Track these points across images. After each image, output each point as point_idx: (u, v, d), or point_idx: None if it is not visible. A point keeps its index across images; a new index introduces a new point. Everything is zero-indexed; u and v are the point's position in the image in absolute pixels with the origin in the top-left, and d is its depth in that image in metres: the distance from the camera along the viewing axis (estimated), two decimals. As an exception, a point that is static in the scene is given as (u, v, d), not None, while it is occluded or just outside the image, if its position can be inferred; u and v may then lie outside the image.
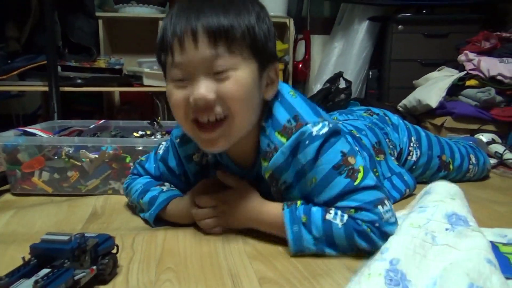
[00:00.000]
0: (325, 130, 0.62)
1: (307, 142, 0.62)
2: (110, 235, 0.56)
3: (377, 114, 1.04)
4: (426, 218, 0.56)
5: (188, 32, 0.57)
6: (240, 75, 0.59)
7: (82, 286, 0.49)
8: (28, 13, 1.59)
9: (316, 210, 0.62)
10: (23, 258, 0.49)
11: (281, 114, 0.65)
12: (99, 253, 0.53)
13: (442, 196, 0.61)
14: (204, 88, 0.58)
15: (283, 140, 0.63)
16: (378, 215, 0.59)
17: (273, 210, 0.65)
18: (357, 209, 0.60)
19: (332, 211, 0.61)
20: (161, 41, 0.62)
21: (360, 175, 0.62)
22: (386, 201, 0.61)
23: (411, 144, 1.01)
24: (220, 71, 0.58)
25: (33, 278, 0.45)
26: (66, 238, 0.50)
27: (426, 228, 0.54)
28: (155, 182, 0.80)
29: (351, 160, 0.63)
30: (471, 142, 1.18)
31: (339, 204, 0.62)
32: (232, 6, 0.59)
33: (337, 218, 0.60)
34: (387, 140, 0.96)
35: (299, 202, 0.65)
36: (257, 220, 0.67)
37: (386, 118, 1.03)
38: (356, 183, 0.61)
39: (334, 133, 0.63)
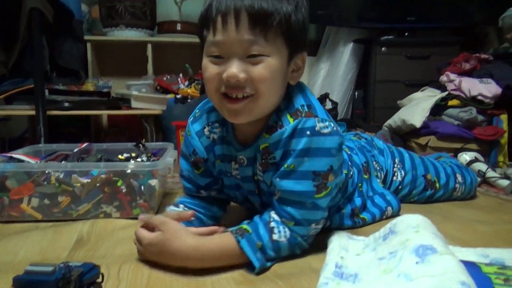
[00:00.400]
0: (326, 130, 0.67)
1: (307, 132, 0.66)
2: (95, 264, 0.55)
3: (365, 139, 1.08)
4: (397, 261, 0.59)
5: (231, 12, 0.61)
6: (271, 61, 0.64)
7: (66, 318, 0.48)
8: (16, 37, 1.60)
9: (263, 232, 0.67)
10: None
11: (297, 99, 0.70)
12: (84, 283, 0.52)
13: (407, 233, 0.63)
14: (237, 68, 0.63)
15: (291, 121, 0.68)
16: (308, 231, 0.70)
17: (221, 243, 0.66)
18: (296, 223, 0.68)
19: (275, 228, 0.67)
20: (204, 16, 0.65)
21: (324, 193, 0.68)
22: (321, 222, 0.71)
23: (395, 166, 1.05)
24: (254, 55, 0.63)
25: None
26: (50, 269, 0.49)
27: (398, 270, 0.56)
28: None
29: (330, 177, 0.68)
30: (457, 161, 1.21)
31: (288, 209, 0.68)
32: None
33: (281, 236, 0.67)
34: (374, 162, 1.00)
35: (246, 228, 0.67)
36: (203, 257, 0.65)
37: (373, 142, 1.08)
38: (316, 196, 0.68)
39: (338, 147, 0.69)
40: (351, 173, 0.88)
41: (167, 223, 0.67)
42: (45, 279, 0.48)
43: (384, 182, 1.02)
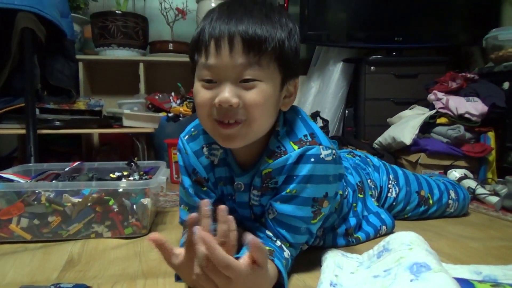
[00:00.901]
0: (329, 158, 0.68)
1: (312, 159, 0.67)
2: (87, 285, 0.55)
3: (359, 156, 1.10)
4: (391, 279, 0.59)
5: (225, 37, 0.61)
6: (264, 87, 0.63)
7: None
8: (7, 56, 1.59)
9: (280, 251, 0.67)
10: None
11: (300, 129, 0.71)
12: None
13: (400, 251, 0.64)
14: (230, 93, 0.62)
15: (295, 148, 0.68)
16: (297, 252, 0.73)
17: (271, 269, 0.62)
18: (291, 245, 0.70)
19: (283, 246, 0.69)
20: (197, 40, 0.65)
21: (318, 218, 0.70)
22: (309, 242, 0.76)
23: (390, 182, 1.06)
24: (247, 80, 0.62)
25: None
26: None
27: None
28: None
29: (325, 204, 0.70)
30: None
31: (283, 232, 0.69)
32: (269, 19, 0.63)
33: (287, 254, 0.68)
34: (368, 180, 1.01)
35: (270, 248, 0.66)
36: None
37: (368, 160, 1.09)
38: (312, 221, 0.70)
39: (339, 176, 0.71)
40: (346, 193, 0.88)
41: (263, 260, 0.56)
42: None
43: (378, 198, 1.03)
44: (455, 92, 1.78)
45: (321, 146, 0.68)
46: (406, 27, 2.26)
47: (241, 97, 0.62)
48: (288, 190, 0.68)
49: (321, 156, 0.67)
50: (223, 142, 0.68)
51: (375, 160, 1.11)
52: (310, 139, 0.69)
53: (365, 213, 0.94)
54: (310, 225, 0.70)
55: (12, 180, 1.01)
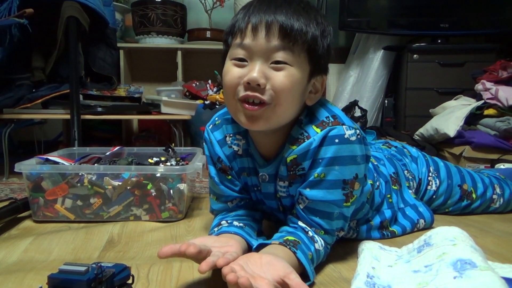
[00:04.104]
0: (354, 138, 0.66)
1: (336, 140, 0.65)
2: (126, 265, 0.56)
3: (395, 147, 1.05)
4: (433, 275, 0.57)
5: (263, 22, 0.63)
6: (293, 71, 0.64)
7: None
8: (54, 45, 1.66)
9: (308, 243, 0.66)
10: None
11: (321, 113, 0.70)
12: (115, 284, 0.53)
13: (443, 246, 0.62)
14: (259, 73, 0.63)
15: (318, 130, 0.67)
16: (334, 239, 0.71)
17: (286, 257, 0.61)
18: (326, 232, 0.69)
19: (315, 237, 0.68)
20: (233, 25, 0.67)
21: (351, 201, 0.69)
22: (345, 229, 0.72)
23: (430, 174, 1.01)
24: (278, 61, 0.63)
25: None
26: (83, 269, 0.51)
27: (435, 284, 0.54)
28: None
29: (356, 185, 0.68)
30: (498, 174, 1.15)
31: (316, 219, 0.68)
32: (305, 14, 0.65)
33: (319, 245, 0.67)
34: (405, 171, 0.97)
35: (295, 239, 0.65)
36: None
37: (405, 150, 1.04)
38: (344, 204, 0.68)
39: (366, 157, 0.69)
40: (378, 183, 0.86)
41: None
42: (79, 279, 0.50)
43: (417, 191, 0.99)
44: (506, 82, 1.67)
45: (344, 126, 0.66)
46: (453, 12, 2.14)
47: (270, 79, 0.63)
48: (316, 175, 0.66)
49: (346, 136, 0.65)
50: (246, 123, 0.66)
51: (413, 150, 1.06)
52: (333, 120, 0.67)
53: (402, 205, 0.91)
54: (343, 209, 0.68)
55: (57, 163, 1.05)
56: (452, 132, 1.62)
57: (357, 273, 0.63)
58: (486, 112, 1.65)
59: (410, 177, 0.97)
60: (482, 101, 1.67)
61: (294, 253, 0.62)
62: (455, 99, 1.88)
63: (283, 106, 0.65)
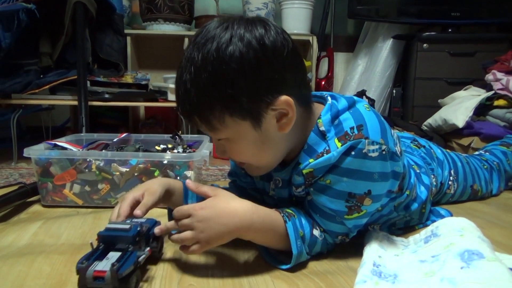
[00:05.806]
0: (375, 154, 0.61)
1: (352, 153, 0.61)
2: (156, 220, 0.65)
3: (424, 147, 1.00)
4: (440, 265, 0.57)
5: (186, 118, 0.64)
6: (236, 140, 0.63)
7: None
8: (61, 31, 1.66)
9: (305, 223, 0.65)
10: (92, 244, 0.57)
11: (347, 121, 0.63)
12: (151, 237, 0.63)
13: (451, 237, 0.61)
14: (218, 152, 0.68)
15: (339, 145, 0.62)
16: (334, 240, 0.69)
17: (273, 216, 0.63)
18: (325, 232, 0.67)
19: (316, 224, 0.67)
20: None
21: (355, 215, 0.65)
22: (349, 235, 0.69)
23: (451, 178, 1.00)
24: (222, 138, 0.64)
25: (106, 261, 0.53)
26: (127, 226, 0.59)
27: (441, 274, 0.54)
28: None
29: (366, 201, 0.64)
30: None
31: (316, 217, 0.66)
32: (202, 86, 0.57)
33: (318, 234, 0.66)
34: (432, 176, 0.93)
35: (293, 212, 0.65)
36: (255, 224, 0.60)
37: (432, 151, 1.00)
38: (345, 216, 0.65)
39: (392, 174, 0.66)
40: (415, 194, 0.80)
41: (219, 189, 0.64)
42: (125, 235, 0.58)
43: (437, 193, 0.97)
44: (517, 73, 1.64)
45: (367, 140, 0.61)
46: (464, 1, 2.10)
47: (228, 153, 0.66)
48: (322, 179, 0.64)
49: (364, 151, 0.61)
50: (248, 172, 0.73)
51: (439, 152, 1.01)
52: (357, 132, 0.62)
53: (433, 218, 0.86)
54: (344, 220, 0.65)
55: (66, 148, 1.06)
56: (461, 123, 1.61)
57: (363, 261, 0.63)
58: (496, 103, 1.64)
59: (434, 183, 0.94)
60: (492, 92, 1.65)
61: (285, 222, 0.62)
62: (464, 90, 1.85)
63: (260, 160, 0.66)
